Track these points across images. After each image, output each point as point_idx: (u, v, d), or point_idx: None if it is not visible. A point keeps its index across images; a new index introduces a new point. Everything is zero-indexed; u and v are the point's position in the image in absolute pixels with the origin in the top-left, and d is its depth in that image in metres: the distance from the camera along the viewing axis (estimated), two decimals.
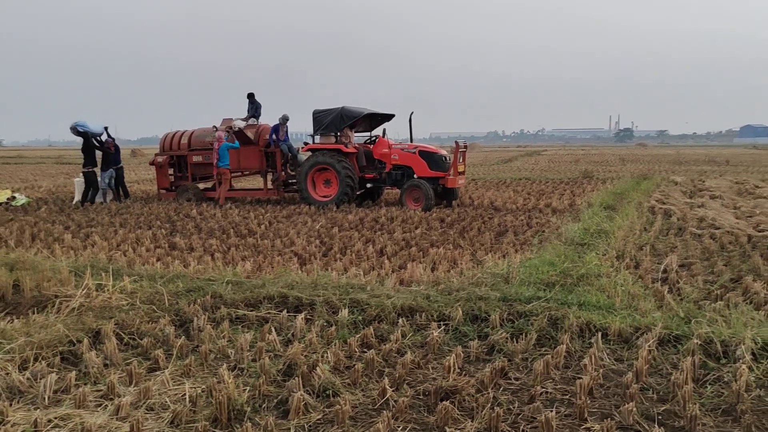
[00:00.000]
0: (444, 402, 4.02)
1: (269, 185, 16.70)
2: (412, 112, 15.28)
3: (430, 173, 14.39)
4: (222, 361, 4.97)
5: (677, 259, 8.28)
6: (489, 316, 5.70)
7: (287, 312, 6.02)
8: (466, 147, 15.18)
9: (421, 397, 4.33)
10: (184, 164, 17.14)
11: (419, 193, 14.12)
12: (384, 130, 16.05)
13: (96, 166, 15.88)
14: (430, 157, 14.51)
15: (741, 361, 4.67)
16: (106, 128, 16.65)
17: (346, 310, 5.92)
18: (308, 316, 5.94)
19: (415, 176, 14.49)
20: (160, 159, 17.12)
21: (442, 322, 5.70)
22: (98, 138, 16.15)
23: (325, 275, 7.18)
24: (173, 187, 17.23)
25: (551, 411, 3.89)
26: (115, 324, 5.60)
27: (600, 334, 5.26)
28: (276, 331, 5.59)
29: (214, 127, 16.50)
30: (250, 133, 16.19)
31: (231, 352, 5.11)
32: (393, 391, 4.35)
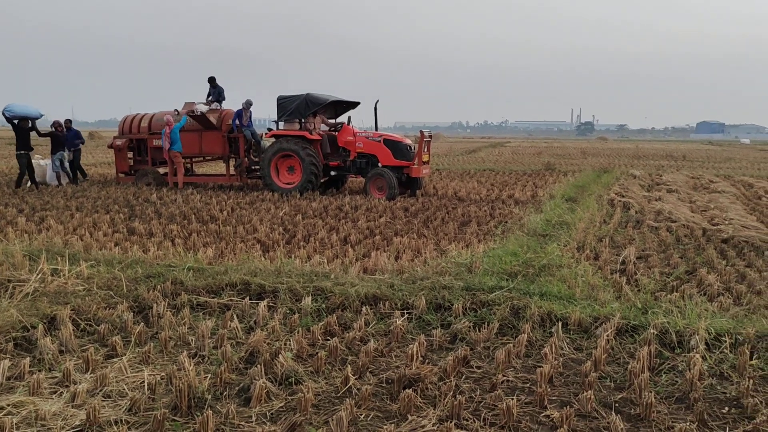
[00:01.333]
0: (407, 390, 4.03)
1: (232, 171, 16.47)
2: (377, 101, 15.26)
3: (394, 162, 14.35)
4: (182, 349, 4.89)
5: (635, 251, 8.46)
6: (452, 305, 5.73)
7: (250, 299, 5.95)
8: (431, 137, 15.13)
9: (384, 385, 4.33)
10: (144, 148, 16.77)
11: (383, 182, 14.11)
12: (349, 118, 16.03)
13: (29, 149, 15.12)
14: (395, 146, 14.49)
15: (695, 350, 4.80)
16: (67, 121, 16.74)
17: (310, 297, 5.89)
18: (271, 304, 5.89)
19: (379, 165, 14.43)
20: (119, 142, 16.69)
21: (405, 311, 5.72)
22: (32, 120, 15.20)
23: (288, 263, 7.12)
24: (132, 171, 16.87)
25: (512, 399, 3.94)
26: (71, 310, 5.46)
27: (560, 323, 5.34)
28: (238, 318, 5.52)
29: (176, 111, 16.18)
30: (212, 118, 15.87)
31: (192, 340, 5.04)
32: (356, 379, 4.35)
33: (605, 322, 5.35)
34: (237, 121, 15.69)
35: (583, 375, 4.45)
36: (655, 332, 5.10)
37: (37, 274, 6.17)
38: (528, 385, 4.38)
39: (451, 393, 4.09)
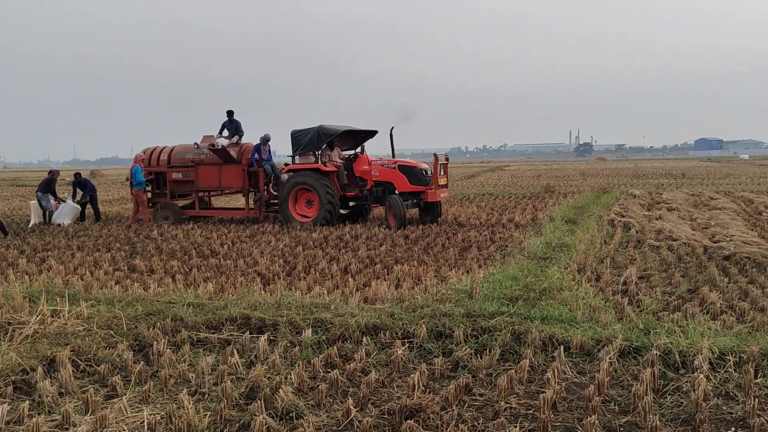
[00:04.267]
0: (409, 421, 4.00)
1: (251, 205, 16.23)
2: (392, 127, 15.09)
3: (410, 188, 14.12)
4: (182, 386, 4.86)
5: (636, 271, 8.44)
6: (453, 332, 5.70)
7: (250, 333, 5.93)
8: (447, 159, 14.94)
9: (385, 416, 4.29)
10: (163, 181, 16.64)
11: (393, 210, 13.76)
12: (362, 147, 15.89)
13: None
14: (410, 172, 14.27)
15: (699, 370, 4.76)
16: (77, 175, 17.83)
17: (310, 329, 5.87)
18: (271, 337, 5.86)
19: (396, 192, 14.16)
20: None
21: (406, 340, 5.69)
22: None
23: (288, 295, 7.11)
24: (151, 204, 16.72)
25: (515, 426, 3.90)
26: (71, 350, 5.44)
27: (562, 347, 5.30)
28: (238, 353, 5.49)
29: (195, 144, 16.21)
30: (233, 152, 15.82)
31: (192, 377, 5.00)
32: (357, 411, 4.31)
33: (608, 344, 5.31)
34: (257, 155, 15.61)
35: (586, 399, 4.41)
36: (658, 353, 5.06)
37: (37, 316, 6.16)
38: (531, 411, 4.33)
39: (454, 422, 4.05)
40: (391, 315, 6.19)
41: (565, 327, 5.71)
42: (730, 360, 4.89)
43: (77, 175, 17.86)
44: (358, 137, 16.08)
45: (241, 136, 16.37)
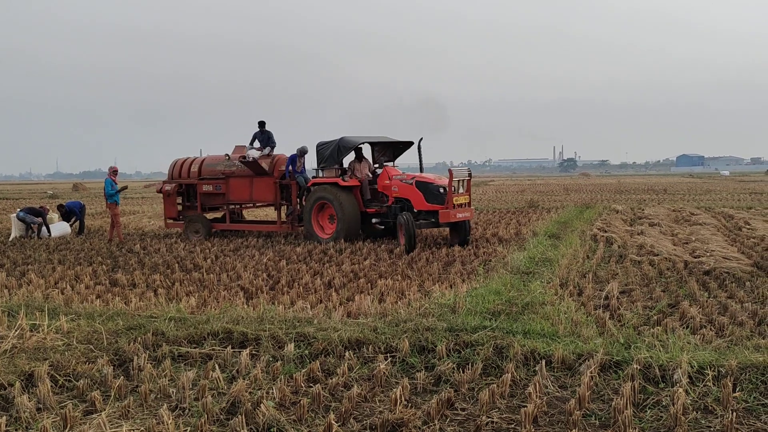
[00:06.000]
0: None
1: (283, 219, 15.56)
2: (421, 138, 14.24)
3: (427, 206, 12.84)
4: (163, 402, 4.81)
5: (618, 285, 8.51)
6: (436, 346, 5.71)
7: (232, 348, 5.90)
8: (470, 175, 13.63)
9: (367, 431, 4.28)
10: (193, 193, 16.21)
11: (403, 230, 12.52)
12: (382, 160, 14.89)
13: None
14: (426, 188, 12.94)
15: (678, 384, 4.80)
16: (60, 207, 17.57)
17: (293, 344, 5.85)
18: (254, 352, 5.84)
19: (414, 210, 13.01)
20: (167, 187, 16.25)
21: (389, 354, 5.69)
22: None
23: (271, 309, 7.09)
24: (181, 217, 16.39)
25: None
26: (50, 365, 5.37)
27: (544, 361, 5.32)
28: (220, 368, 5.45)
29: (226, 155, 15.71)
30: (264, 164, 15.20)
31: (172, 392, 4.96)
32: (339, 426, 4.29)
33: (589, 358, 5.35)
34: (290, 167, 14.94)
35: (567, 413, 4.42)
36: (639, 367, 5.10)
37: (16, 330, 6.09)
38: (513, 426, 4.34)
39: None
40: (374, 329, 6.19)
41: (547, 341, 5.74)
42: (709, 374, 4.94)
43: (61, 207, 17.49)
44: (396, 149, 15.11)
45: (273, 148, 15.81)
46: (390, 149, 15.11)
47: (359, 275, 9.85)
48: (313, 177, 14.66)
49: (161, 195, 17.00)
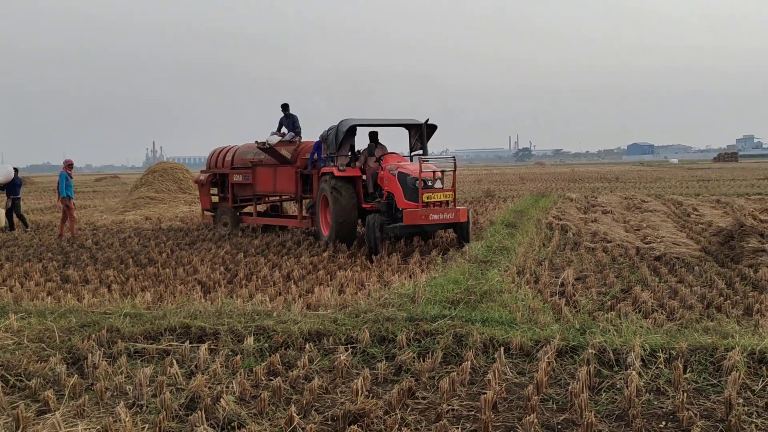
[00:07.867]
0: (352, 426, 4.00)
1: (304, 213, 13.74)
2: (426, 120, 12.53)
3: (405, 204, 10.91)
4: (119, 399, 4.72)
5: (573, 272, 8.69)
6: (396, 336, 5.74)
7: (190, 343, 5.81)
8: (455, 166, 11.67)
9: (329, 422, 4.28)
10: (226, 184, 15.23)
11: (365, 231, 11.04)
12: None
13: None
14: (405, 181, 11.01)
15: (631, 367, 4.94)
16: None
17: (252, 338, 5.79)
18: (212, 346, 5.76)
19: (398, 208, 11.09)
20: (203, 177, 15.59)
21: (349, 345, 5.69)
22: None
23: (229, 303, 7.01)
24: (213, 209, 15.59)
25: (457, 428, 3.96)
26: (0, 365, 5.21)
27: (502, 348, 5.41)
28: (178, 363, 5.37)
29: (256, 142, 13.90)
30: (285, 151, 13.60)
31: (129, 389, 4.86)
32: (300, 418, 4.28)
33: (546, 344, 5.44)
34: (315, 155, 13.07)
35: (526, 399, 4.50)
36: (594, 352, 5.22)
37: None
38: (473, 412, 4.40)
39: (397, 426, 4.08)
40: (334, 321, 6.18)
41: (506, 328, 5.83)
42: (660, 356, 5.10)
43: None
44: (421, 133, 12.65)
45: (297, 134, 14.23)
46: (415, 134, 12.87)
47: (318, 267, 9.82)
48: (322, 166, 12.65)
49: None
